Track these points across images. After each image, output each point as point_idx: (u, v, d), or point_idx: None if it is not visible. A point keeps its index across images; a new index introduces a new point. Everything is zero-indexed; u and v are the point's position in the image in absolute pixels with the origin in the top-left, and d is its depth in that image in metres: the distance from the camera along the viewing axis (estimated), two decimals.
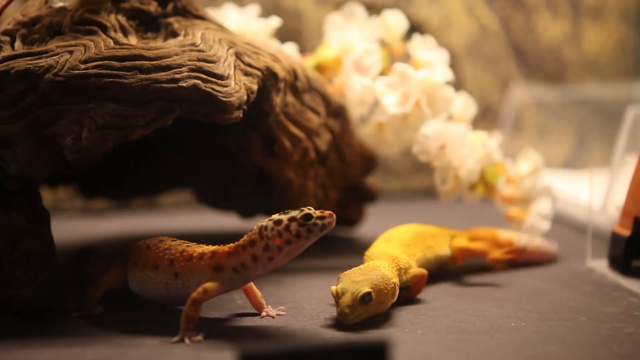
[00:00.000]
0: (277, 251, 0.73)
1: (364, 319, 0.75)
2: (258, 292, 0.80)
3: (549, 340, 0.72)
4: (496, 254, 0.95)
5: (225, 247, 0.75)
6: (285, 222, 0.73)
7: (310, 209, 0.74)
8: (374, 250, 0.85)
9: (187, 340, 0.72)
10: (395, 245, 0.86)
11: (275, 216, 0.74)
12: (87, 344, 0.72)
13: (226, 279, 0.74)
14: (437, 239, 0.92)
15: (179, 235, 0.82)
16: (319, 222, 0.73)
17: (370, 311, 0.76)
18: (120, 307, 0.82)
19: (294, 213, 0.73)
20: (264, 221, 0.74)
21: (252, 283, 0.79)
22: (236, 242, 0.75)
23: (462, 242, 0.94)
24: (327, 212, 0.73)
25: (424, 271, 0.84)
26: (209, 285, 0.73)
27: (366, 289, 0.74)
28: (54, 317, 0.79)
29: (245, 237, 0.74)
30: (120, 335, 0.74)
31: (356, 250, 1.06)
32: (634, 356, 0.68)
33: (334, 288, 0.76)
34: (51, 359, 0.70)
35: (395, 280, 0.78)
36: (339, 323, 0.76)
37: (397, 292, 0.79)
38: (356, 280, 0.75)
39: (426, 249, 0.89)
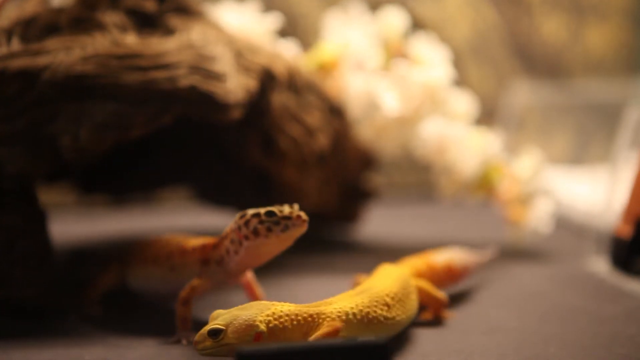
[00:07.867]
0: (239, 245, 0.70)
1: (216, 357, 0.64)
2: (260, 293, 0.79)
3: (549, 341, 0.71)
4: (429, 313, 0.78)
5: (212, 240, 0.74)
6: (248, 216, 0.69)
7: (282, 207, 0.69)
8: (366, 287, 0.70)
9: (183, 341, 0.72)
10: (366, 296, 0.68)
11: (248, 210, 0.70)
12: (85, 344, 0.72)
13: (211, 273, 0.73)
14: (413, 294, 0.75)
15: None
16: (282, 222, 0.68)
17: (222, 350, 0.64)
18: (119, 307, 0.82)
19: (263, 209, 0.69)
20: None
21: (253, 283, 0.78)
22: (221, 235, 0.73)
23: (423, 284, 0.78)
24: (296, 213, 0.68)
25: (337, 325, 0.66)
26: (195, 282, 0.73)
27: (219, 325, 0.64)
28: (51, 318, 0.79)
29: (226, 229, 0.73)
30: (118, 336, 0.74)
31: (355, 250, 1.05)
32: (635, 357, 0.68)
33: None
34: (49, 359, 0.69)
35: (262, 328, 0.65)
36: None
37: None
38: (230, 312, 0.65)
39: (407, 310, 0.72)
